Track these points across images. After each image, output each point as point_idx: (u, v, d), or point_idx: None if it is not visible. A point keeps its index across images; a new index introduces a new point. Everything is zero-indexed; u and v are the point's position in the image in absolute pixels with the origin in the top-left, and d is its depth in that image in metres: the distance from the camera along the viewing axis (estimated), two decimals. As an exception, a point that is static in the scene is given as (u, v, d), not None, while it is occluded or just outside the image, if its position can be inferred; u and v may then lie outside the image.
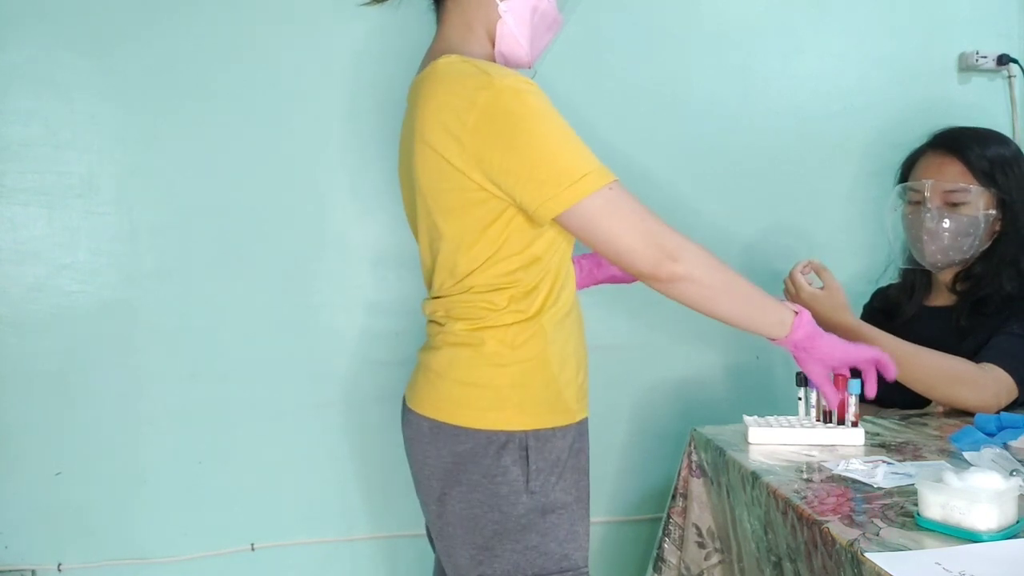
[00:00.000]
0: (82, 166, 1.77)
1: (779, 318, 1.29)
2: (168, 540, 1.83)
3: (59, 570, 1.79)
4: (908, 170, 1.70)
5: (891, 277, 1.81)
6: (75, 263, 1.77)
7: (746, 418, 1.44)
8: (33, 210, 1.76)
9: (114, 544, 1.81)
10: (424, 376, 1.29)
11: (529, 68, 1.35)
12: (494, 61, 1.31)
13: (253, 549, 1.87)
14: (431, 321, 1.31)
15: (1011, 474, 1.07)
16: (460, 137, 1.16)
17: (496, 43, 1.30)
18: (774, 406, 1.63)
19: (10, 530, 1.78)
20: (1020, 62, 2.08)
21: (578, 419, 1.28)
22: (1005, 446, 1.25)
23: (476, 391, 1.23)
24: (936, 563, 0.87)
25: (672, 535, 1.51)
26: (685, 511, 1.50)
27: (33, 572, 1.79)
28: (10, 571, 1.77)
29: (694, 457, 1.50)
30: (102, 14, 1.76)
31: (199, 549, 1.84)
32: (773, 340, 1.31)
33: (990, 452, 1.19)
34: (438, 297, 1.29)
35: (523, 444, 1.21)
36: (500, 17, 1.28)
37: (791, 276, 1.60)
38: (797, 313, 1.29)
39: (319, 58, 1.84)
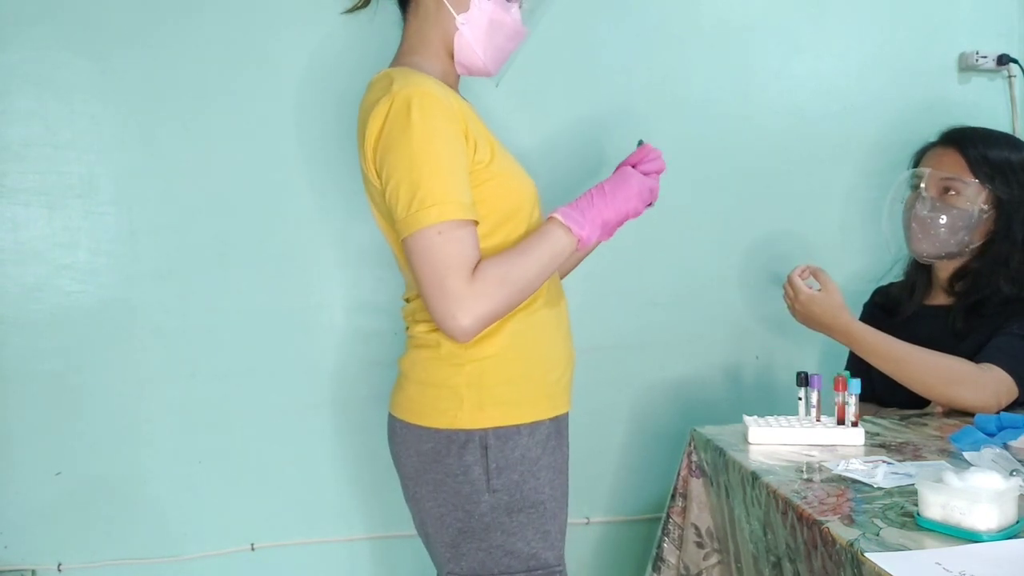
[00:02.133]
0: (82, 166, 1.77)
1: (564, 244, 1.23)
2: (168, 540, 1.83)
3: (59, 570, 1.79)
4: (917, 162, 1.71)
5: (895, 276, 1.81)
6: (75, 263, 1.77)
7: (746, 418, 1.44)
8: (33, 210, 1.76)
9: (114, 544, 1.81)
10: (398, 378, 1.34)
11: (491, 76, 1.37)
12: (452, 73, 1.35)
13: (253, 549, 1.87)
14: (406, 325, 1.35)
15: (1011, 474, 1.07)
16: (367, 149, 1.21)
17: (455, 54, 1.33)
18: (774, 406, 1.63)
19: (10, 530, 1.78)
20: (1020, 62, 2.08)
21: (550, 416, 1.29)
22: (1005, 446, 1.25)
23: (435, 391, 1.25)
24: (936, 563, 0.87)
25: (671, 535, 1.51)
26: (684, 511, 1.50)
27: (33, 572, 1.79)
28: (10, 571, 1.77)
29: (694, 457, 1.50)
30: (102, 16, 1.76)
31: (199, 549, 1.84)
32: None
33: (990, 452, 1.19)
34: (408, 300, 1.34)
35: (483, 443, 1.22)
36: (457, 29, 1.30)
37: (789, 280, 1.61)
38: (562, 221, 1.23)
39: (317, 59, 1.84)
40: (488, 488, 1.22)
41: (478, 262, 1.17)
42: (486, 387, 1.24)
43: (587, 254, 1.58)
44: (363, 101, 1.25)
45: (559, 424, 1.31)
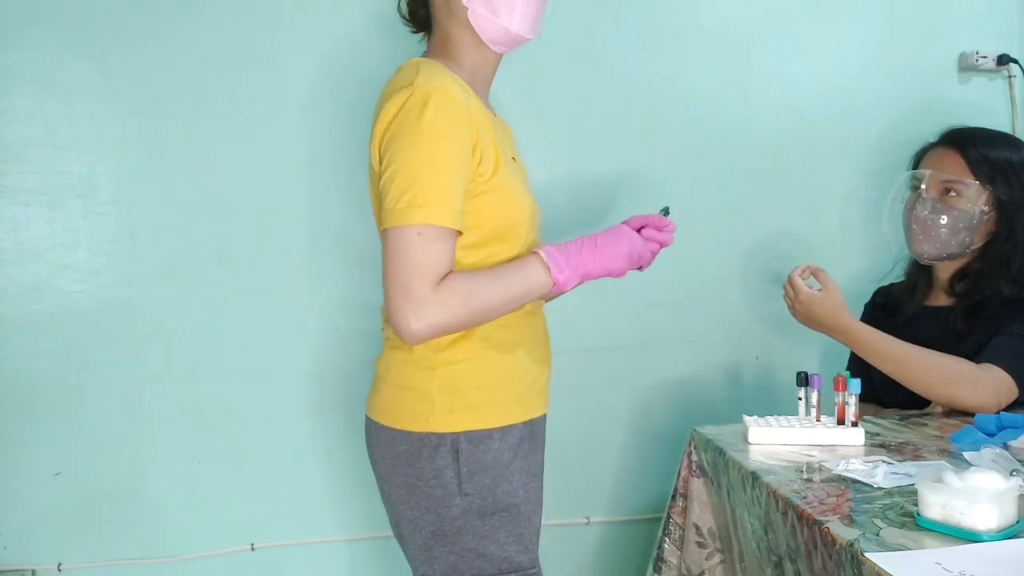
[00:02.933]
0: (82, 166, 1.77)
1: (539, 283, 1.23)
2: (168, 540, 1.83)
3: (59, 570, 1.79)
4: (917, 163, 1.71)
5: (896, 276, 1.81)
6: (75, 263, 1.77)
7: (746, 418, 1.44)
8: (33, 210, 1.76)
9: (114, 544, 1.81)
10: (373, 379, 1.34)
11: (531, 38, 1.32)
12: (488, 64, 1.33)
13: (253, 549, 1.87)
14: (381, 325, 1.35)
15: (1011, 474, 1.07)
16: (377, 134, 1.20)
17: (482, 35, 1.29)
18: (774, 406, 1.63)
19: (10, 530, 1.78)
20: (1020, 62, 2.08)
21: (523, 420, 1.28)
22: (1005, 446, 1.25)
23: (407, 394, 1.25)
24: (936, 563, 0.87)
25: (672, 535, 1.51)
26: (685, 511, 1.50)
27: (33, 572, 1.79)
28: (10, 571, 1.77)
29: (694, 457, 1.50)
30: (102, 16, 1.76)
31: (199, 549, 1.84)
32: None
33: (990, 452, 1.19)
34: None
35: (455, 446, 1.22)
36: (466, 7, 1.27)
37: (790, 280, 1.62)
38: (544, 260, 1.22)
39: (318, 59, 1.84)
40: (460, 491, 1.22)
41: (448, 272, 1.16)
42: (457, 391, 1.24)
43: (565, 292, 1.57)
44: (387, 85, 1.23)
45: (533, 427, 1.31)
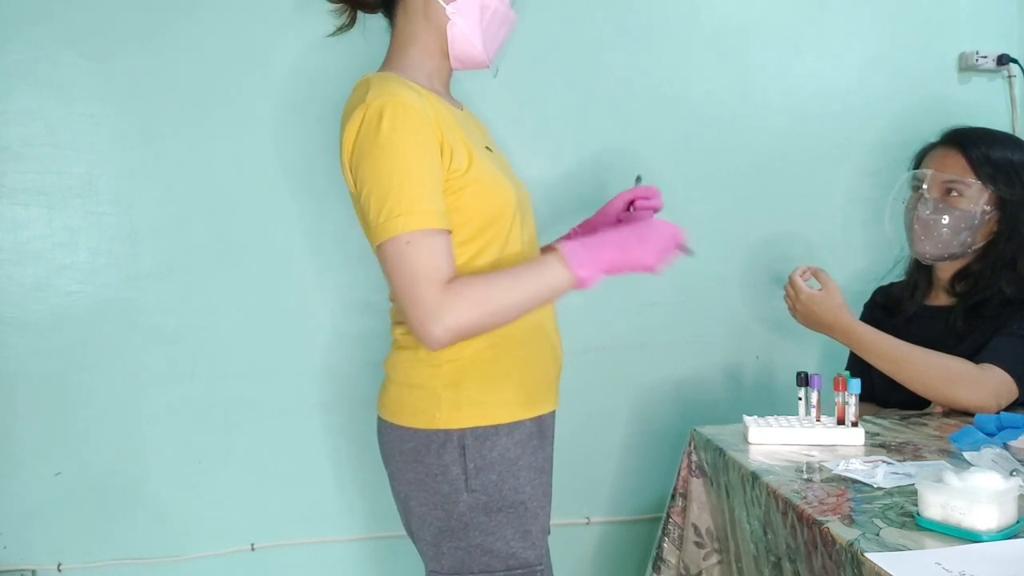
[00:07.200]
0: (82, 166, 1.77)
1: (559, 279, 1.19)
2: (168, 540, 1.83)
3: (59, 570, 1.79)
4: (918, 163, 1.70)
5: (897, 275, 1.81)
6: (75, 263, 1.77)
7: (746, 418, 1.44)
8: (33, 210, 1.76)
9: (114, 544, 1.81)
10: (383, 379, 1.35)
11: (487, 67, 1.36)
12: (444, 70, 1.34)
13: (253, 549, 1.87)
14: (390, 327, 1.36)
15: (1011, 474, 1.07)
16: (344, 157, 1.23)
17: (449, 47, 1.32)
18: (774, 406, 1.63)
19: (10, 530, 1.78)
20: (1020, 62, 2.08)
21: (531, 416, 1.28)
22: (1005, 446, 1.25)
23: (414, 391, 1.27)
24: (936, 563, 0.87)
25: (671, 535, 1.51)
26: (685, 511, 1.51)
27: (33, 572, 1.79)
28: (10, 571, 1.77)
29: (694, 457, 1.51)
30: (102, 16, 1.76)
31: (199, 549, 1.84)
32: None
33: (990, 452, 1.19)
34: (392, 300, 1.34)
35: (461, 443, 1.23)
36: (449, 19, 1.29)
37: (790, 280, 1.62)
38: (563, 256, 1.19)
39: (317, 60, 1.84)
40: (467, 488, 1.23)
41: (452, 270, 1.16)
42: (463, 387, 1.24)
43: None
44: (344, 107, 1.25)
45: (542, 424, 1.31)
